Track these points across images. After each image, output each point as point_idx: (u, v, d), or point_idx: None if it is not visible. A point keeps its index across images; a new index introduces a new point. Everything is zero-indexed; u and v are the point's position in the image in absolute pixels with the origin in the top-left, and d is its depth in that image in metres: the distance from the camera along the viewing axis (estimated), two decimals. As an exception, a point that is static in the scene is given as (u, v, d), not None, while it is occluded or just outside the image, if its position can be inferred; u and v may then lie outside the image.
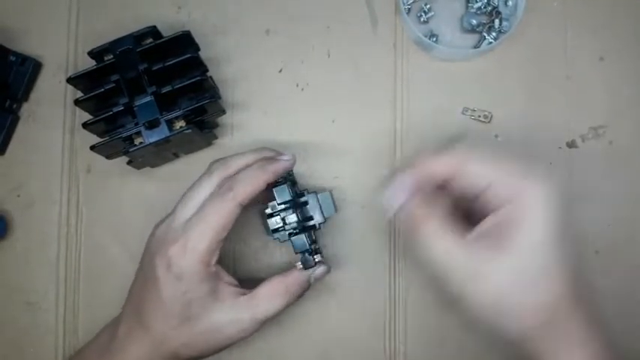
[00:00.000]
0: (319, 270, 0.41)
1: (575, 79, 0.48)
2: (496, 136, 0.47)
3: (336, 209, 0.43)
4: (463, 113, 0.47)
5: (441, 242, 0.34)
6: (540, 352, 0.33)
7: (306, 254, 0.41)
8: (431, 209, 0.35)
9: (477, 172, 0.34)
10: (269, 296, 0.39)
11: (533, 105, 0.48)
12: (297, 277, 0.40)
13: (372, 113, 0.48)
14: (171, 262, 0.37)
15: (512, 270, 0.33)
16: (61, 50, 0.48)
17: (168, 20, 0.48)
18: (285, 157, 0.41)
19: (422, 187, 0.36)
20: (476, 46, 0.47)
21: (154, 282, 0.37)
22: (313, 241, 0.42)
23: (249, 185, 0.38)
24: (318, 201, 0.42)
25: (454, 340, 0.46)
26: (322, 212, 0.42)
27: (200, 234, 0.37)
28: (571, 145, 0.48)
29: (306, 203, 0.42)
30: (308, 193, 0.42)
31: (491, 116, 0.47)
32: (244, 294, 0.39)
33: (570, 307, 0.33)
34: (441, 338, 0.46)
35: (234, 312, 0.38)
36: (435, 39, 0.47)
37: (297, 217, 0.40)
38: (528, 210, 0.33)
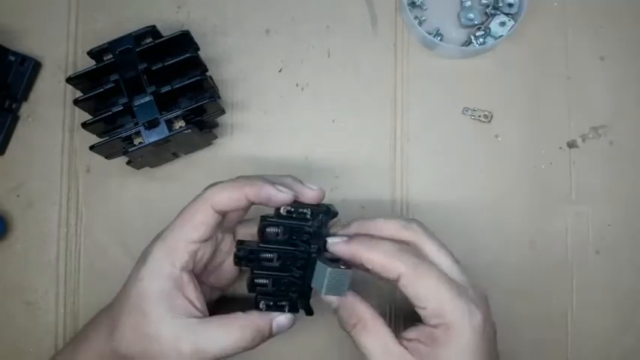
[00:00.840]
0: (280, 319, 0.37)
1: (575, 79, 0.48)
2: (496, 136, 0.47)
3: (342, 293, 0.35)
4: (463, 113, 0.47)
5: (375, 337, 0.35)
6: None
7: (258, 298, 0.37)
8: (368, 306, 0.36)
9: (420, 290, 0.34)
10: (218, 329, 0.35)
11: (534, 105, 0.48)
12: (255, 319, 0.36)
13: (372, 113, 0.48)
14: (145, 251, 0.37)
15: None
16: (60, 50, 0.48)
17: (168, 20, 0.48)
18: (284, 190, 0.36)
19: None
20: (480, 44, 0.47)
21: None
22: (286, 287, 0.37)
23: (227, 191, 0.36)
24: (325, 274, 0.35)
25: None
26: (321, 285, 0.35)
27: (171, 228, 0.36)
28: (571, 145, 0.47)
29: (308, 262, 0.36)
30: (320, 256, 0.36)
31: (492, 116, 0.47)
32: (198, 317, 0.35)
33: None
34: None
35: (178, 331, 0.35)
36: (440, 38, 0.47)
37: (277, 266, 0.36)
38: (456, 339, 0.34)
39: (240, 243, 0.37)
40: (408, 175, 0.47)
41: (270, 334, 0.37)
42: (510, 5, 0.47)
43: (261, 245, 0.36)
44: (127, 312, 0.36)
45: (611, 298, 0.46)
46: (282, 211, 0.36)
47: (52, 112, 0.48)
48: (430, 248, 0.36)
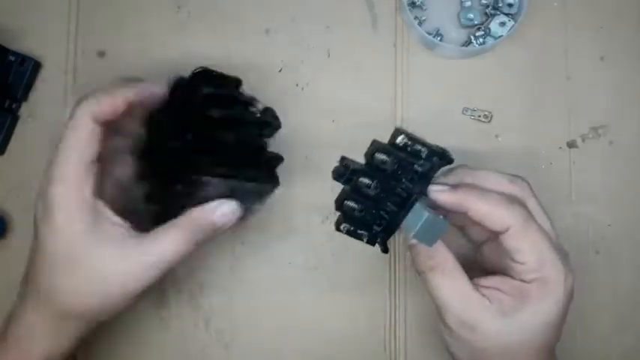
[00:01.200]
0: (224, 208, 0.35)
1: (575, 79, 0.48)
2: (496, 136, 0.47)
3: (432, 243, 0.34)
4: (463, 113, 0.47)
5: (453, 281, 0.35)
6: None
7: (340, 219, 0.35)
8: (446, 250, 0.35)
9: (525, 244, 0.34)
10: (164, 237, 0.34)
11: (534, 105, 0.48)
12: (197, 216, 0.34)
13: (372, 113, 0.48)
14: (42, 199, 0.33)
15: (506, 332, 0.34)
16: (60, 50, 0.48)
17: (168, 20, 0.48)
18: (154, 86, 0.36)
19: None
20: (480, 44, 0.47)
21: (35, 232, 0.34)
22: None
23: (106, 98, 0.34)
24: (422, 218, 0.33)
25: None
26: (414, 228, 0.33)
27: (61, 159, 0.33)
28: (571, 145, 0.48)
29: (405, 201, 0.35)
30: (422, 198, 0.35)
31: (491, 116, 0.47)
32: (135, 237, 0.34)
33: None
34: (441, 338, 0.46)
35: (121, 255, 0.33)
36: (439, 38, 0.47)
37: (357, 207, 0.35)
38: (551, 295, 0.34)
39: (343, 159, 0.35)
40: (408, 175, 0.47)
41: (215, 228, 0.35)
42: (510, 5, 0.47)
43: (364, 168, 0.34)
44: (61, 272, 0.33)
45: (611, 298, 0.46)
46: (398, 141, 0.34)
47: (52, 112, 0.48)
48: (534, 207, 0.36)
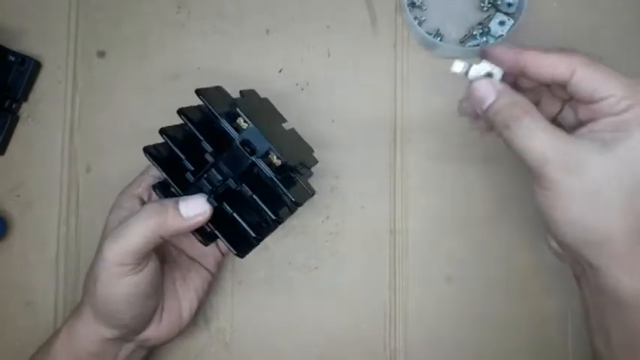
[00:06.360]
0: (190, 202, 0.37)
1: (575, 79, 0.48)
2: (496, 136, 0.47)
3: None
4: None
5: (545, 126, 0.32)
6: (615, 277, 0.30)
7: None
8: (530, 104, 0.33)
9: (599, 79, 0.32)
10: (129, 229, 0.36)
11: (533, 105, 0.48)
12: (156, 204, 0.37)
13: (372, 113, 0.48)
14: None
15: (615, 166, 0.31)
16: (60, 50, 0.48)
17: (168, 20, 0.48)
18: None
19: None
20: (480, 45, 0.47)
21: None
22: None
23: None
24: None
25: (453, 341, 0.46)
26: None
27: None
28: (571, 145, 0.47)
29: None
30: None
31: (491, 116, 0.47)
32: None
33: None
34: (440, 338, 0.46)
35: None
36: (439, 38, 0.47)
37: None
38: None
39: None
40: (407, 175, 0.47)
41: (181, 219, 0.36)
42: (510, 5, 0.47)
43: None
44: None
45: (611, 297, 0.46)
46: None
47: (52, 112, 0.48)
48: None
